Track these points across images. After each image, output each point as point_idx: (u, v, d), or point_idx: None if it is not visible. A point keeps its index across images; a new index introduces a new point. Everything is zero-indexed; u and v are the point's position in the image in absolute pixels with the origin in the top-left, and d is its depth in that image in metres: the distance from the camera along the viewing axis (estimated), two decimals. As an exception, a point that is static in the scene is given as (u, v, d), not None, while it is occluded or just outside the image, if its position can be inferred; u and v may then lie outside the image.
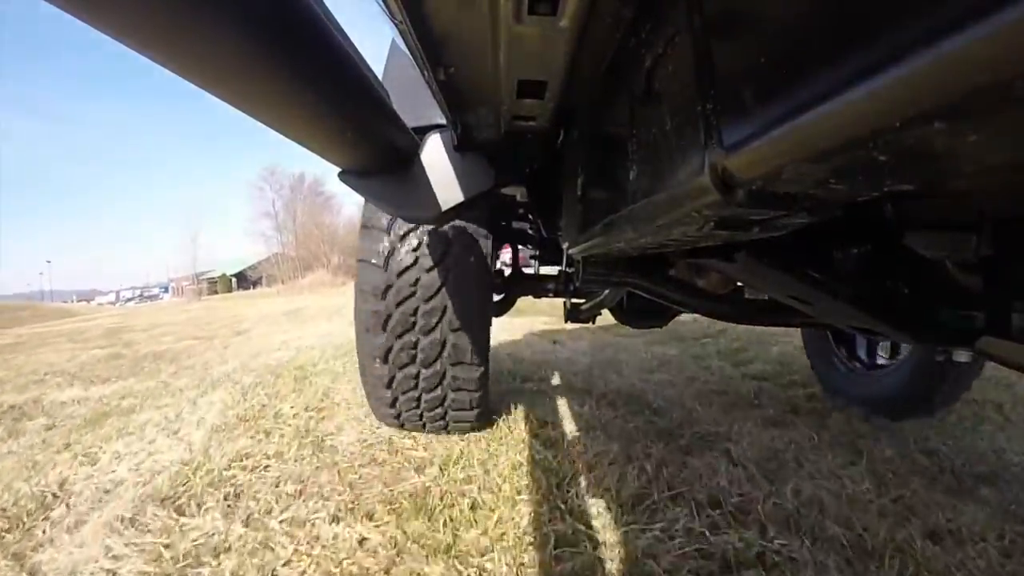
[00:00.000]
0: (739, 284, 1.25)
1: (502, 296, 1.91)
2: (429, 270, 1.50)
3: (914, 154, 0.24)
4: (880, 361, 2.29)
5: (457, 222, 1.52)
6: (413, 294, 1.50)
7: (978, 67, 0.18)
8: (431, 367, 1.56)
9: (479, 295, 1.57)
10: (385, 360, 1.55)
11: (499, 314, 1.95)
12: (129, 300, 74.13)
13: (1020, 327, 0.64)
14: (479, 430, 1.82)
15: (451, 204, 1.08)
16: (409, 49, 0.58)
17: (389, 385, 1.59)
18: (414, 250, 1.50)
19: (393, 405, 1.65)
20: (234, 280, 53.75)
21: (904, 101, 0.21)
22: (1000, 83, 0.17)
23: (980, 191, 0.52)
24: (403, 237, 1.51)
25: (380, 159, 0.98)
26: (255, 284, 50.76)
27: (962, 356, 1.34)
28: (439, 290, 1.50)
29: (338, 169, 0.99)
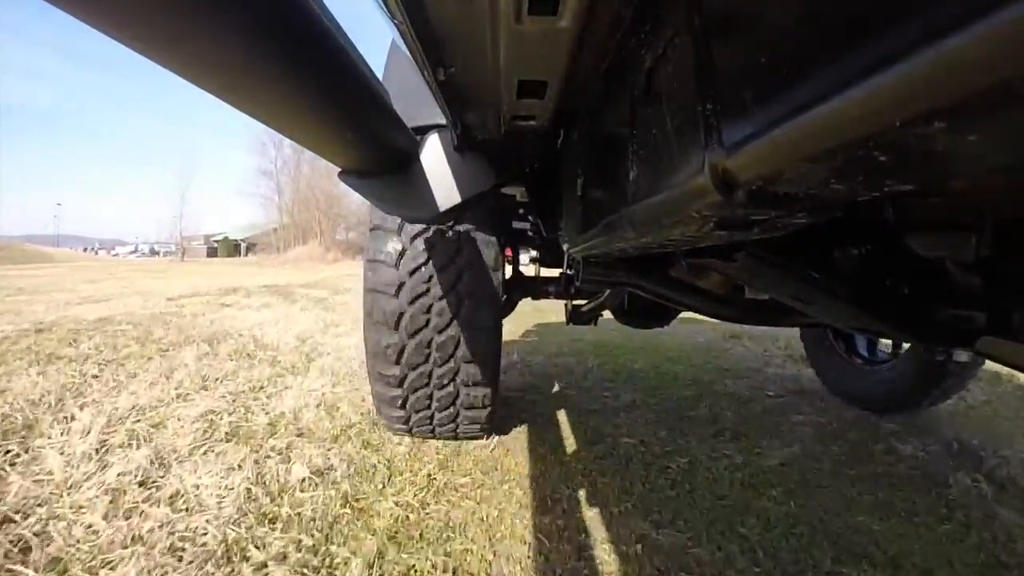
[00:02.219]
0: (739, 284, 1.25)
1: (503, 299, 1.89)
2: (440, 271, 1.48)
3: (914, 154, 0.24)
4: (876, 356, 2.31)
5: (466, 226, 1.51)
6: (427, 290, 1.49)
7: (978, 67, 0.18)
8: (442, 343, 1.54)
9: (488, 293, 1.56)
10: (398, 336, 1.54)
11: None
12: (132, 253, 74.67)
13: (1020, 327, 0.64)
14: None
15: (451, 204, 1.08)
16: (409, 49, 0.58)
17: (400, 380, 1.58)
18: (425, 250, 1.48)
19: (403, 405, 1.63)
20: (244, 245, 53.18)
21: (904, 101, 0.21)
22: (1000, 83, 0.17)
23: (980, 191, 0.52)
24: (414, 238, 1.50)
25: (380, 159, 0.98)
26: (247, 251, 50.29)
27: (962, 356, 1.34)
28: (452, 288, 1.49)
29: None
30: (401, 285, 1.47)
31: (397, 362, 1.51)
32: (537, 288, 1.92)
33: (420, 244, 1.47)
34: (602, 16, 0.54)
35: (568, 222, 1.05)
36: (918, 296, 0.80)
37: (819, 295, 0.79)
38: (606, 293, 1.80)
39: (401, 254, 1.47)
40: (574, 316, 2.02)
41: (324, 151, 0.81)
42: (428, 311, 1.48)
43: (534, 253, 2.11)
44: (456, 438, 1.74)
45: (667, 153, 0.46)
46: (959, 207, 0.57)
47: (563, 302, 2.04)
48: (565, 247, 1.15)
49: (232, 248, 54.18)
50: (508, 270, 1.94)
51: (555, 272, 2.02)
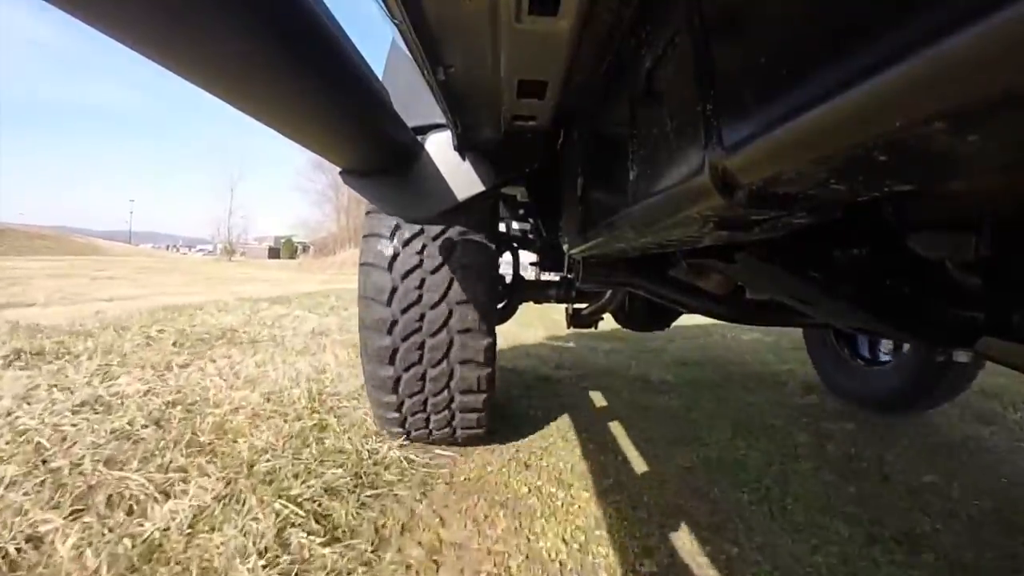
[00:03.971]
0: (739, 284, 1.25)
1: (503, 303, 1.88)
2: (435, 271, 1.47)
3: (914, 154, 0.24)
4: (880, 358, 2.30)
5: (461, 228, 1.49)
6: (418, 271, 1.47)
7: (978, 68, 0.18)
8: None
9: (484, 294, 1.54)
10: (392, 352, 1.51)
11: (500, 321, 1.93)
12: (199, 251, 75.48)
13: (1020, 327, 0.64)
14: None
15: (451, 204, 1.08)
16: (409, 49, 0.58)
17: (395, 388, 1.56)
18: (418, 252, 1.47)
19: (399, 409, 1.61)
20: (312, 247, 53.38)
21: (904, 101, 0.21)
22: (1000, 83, 0.17)
23: (980, 191, 0.52)
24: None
25: (380, 159, 0.98)
26: (304, 251, 50.10)
27: (962, 356, 1.34)
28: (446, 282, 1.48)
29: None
30: (394, 290, 1.47)
31: (391, 362, 1.51)
32: (538, 292, 1.92)
33: (413, 248, 1.46)
34: (602, 16, 0.55)
35: (568, 222, 1.05)
36: (918, 296, 0.80)
37: (819, 295, 0.79)
38: (606, 296, 1.80)
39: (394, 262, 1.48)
40: (575, 319, 2.02)
41: (324, 151, 0.81)
42: (421, 315, 1.49)
43: (535, 257, 2.10)
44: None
45: (667, 153, 0.46)
46: (959, 207, 0.57)
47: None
48: (565, 248, 1.15)
49: (293, 250, 54.16)
50: (510, 274, 1.93)
51: (555, 276, 2.01)
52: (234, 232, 46.11)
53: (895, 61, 0.20)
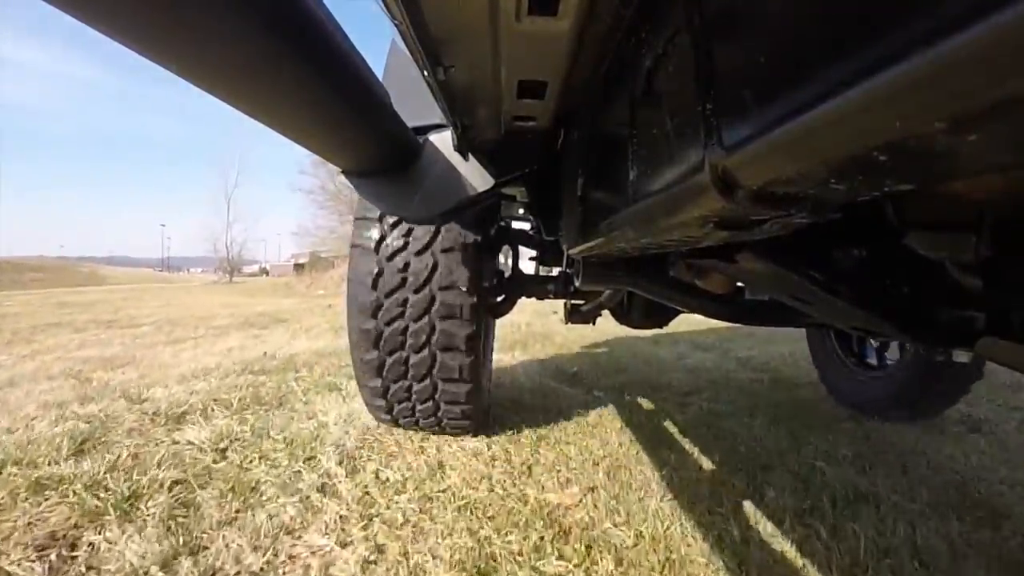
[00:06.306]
0: (739, 284, 1.25)
1: (502, 297, 1.88)
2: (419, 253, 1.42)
3: (914, 154, 0.24)
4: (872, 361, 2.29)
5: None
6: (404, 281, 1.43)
7: (978, 67, 0.18)
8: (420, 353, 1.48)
9: (469, 280, 1.48)
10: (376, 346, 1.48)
11: (498, 315, 1.94)
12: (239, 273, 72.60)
13: (1020, 327, 0.64)
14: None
15: (451, 204, 1.08)
16: (409, 49, 0.58)
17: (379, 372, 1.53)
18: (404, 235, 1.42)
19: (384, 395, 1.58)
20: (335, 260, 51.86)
21: (904, 101, 0.21)
22: (1000, 83, 0.17)
23: (980, 191, 0.52)
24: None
25: (380, 159, 0.98)
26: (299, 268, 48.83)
27: (962, 357, 1.34)
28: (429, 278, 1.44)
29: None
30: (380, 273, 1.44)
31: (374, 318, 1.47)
32: (536, 287, 1.92)
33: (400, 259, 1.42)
34: (602, 16, 0.54)
35: (568, 222, 1.05)
36: (918, 296, 0.80)
37: (819, 295, 0.79)
38: (605, 293, 1.80)
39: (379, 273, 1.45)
40: (572, 315, 2.02)
41: (324, 151, 0.81)
42: (404, 299, 1.45)
43: (534, 252, 2.10)
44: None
45: (667, 153, 0.46)
46: (959, 207, 0.57)
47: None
48: (565, 248, 1.15)
49: (317, 264, 53.65)
50: (509, 268, 1.92)
51: (555, 271, 2.01)
52: (235, 248, 35.33)
53: (895, 61, 0.20)
